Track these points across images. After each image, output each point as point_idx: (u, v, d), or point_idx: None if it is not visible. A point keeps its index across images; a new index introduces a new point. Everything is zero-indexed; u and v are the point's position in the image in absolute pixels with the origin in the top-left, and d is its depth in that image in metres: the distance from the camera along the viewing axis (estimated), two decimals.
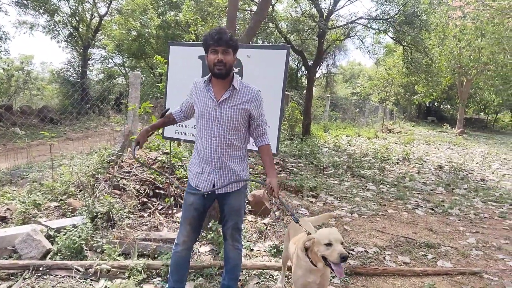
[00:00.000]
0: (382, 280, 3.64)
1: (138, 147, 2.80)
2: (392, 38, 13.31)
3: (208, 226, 4.05)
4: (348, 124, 20.60)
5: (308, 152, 9.79)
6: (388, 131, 20.76)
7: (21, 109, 13.80)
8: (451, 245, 4.65)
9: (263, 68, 3.83)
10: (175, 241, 2.77)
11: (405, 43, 12.50)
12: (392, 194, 6.91)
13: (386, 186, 7.48)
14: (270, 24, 13.45)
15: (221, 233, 2.95)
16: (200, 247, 3.91)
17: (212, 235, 3.96)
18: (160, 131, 4.57)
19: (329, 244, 2.29)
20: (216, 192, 2.64)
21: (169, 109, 3.02)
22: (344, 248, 2.31)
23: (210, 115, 2.55)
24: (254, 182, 5.16)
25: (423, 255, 4.29)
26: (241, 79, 4.02)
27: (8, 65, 15.48)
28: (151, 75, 20.14)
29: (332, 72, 29.00)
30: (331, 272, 2.40)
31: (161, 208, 4.82)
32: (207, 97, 2.57)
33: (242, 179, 2.67)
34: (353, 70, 42.47)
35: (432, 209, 6.14)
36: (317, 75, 28.15)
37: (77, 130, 13.44)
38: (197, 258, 3.65)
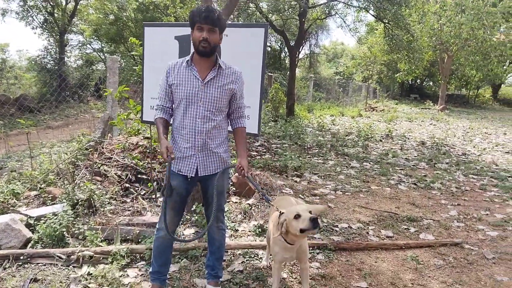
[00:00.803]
0: (365, 254, 3.69)
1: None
2: (372, 15, 13.26)
3: (192, 209, 4.03)
4: (332, 104, 20.65)
5: (292, 133, 9.79)
6: (371, 109, 20.89)
7: None
8: (433, 218, 4.74)
9: (242, 47, 3.75)
10: (157, 226, 2.73)
11: (386, 20, 12.46)
12: (375, 170, 6.98)
13: (370, 163, 7.55)
14: (251, 5, 13.24)
15: (205, 215, 2.92)
16: (184, 229, 3.89)
17: (196, 217, 3.94)
18: (138, 115, 4.48)
19: (297, 216, 2.38)
20: (199, 175, 2.59)
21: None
22: (318, 216, 2.40)
23: (195, 96, 2.49)
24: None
25: (405, 228, 4.36)
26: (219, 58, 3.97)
27: None
28: (132, 59, 19.77)
29: (315, 52, 28.87)
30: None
31: (144, 193, 4.77)
32: (190, 77, 2.50)
33: (226, 165, 2.67)
34: (336, 50, 42.38)
35: (415, 184, 6.23)
36: (300, 55, 28.04)
37: (57, 118, 13.17)
38: None
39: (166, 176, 2.46)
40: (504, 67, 28.87)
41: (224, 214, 2.85)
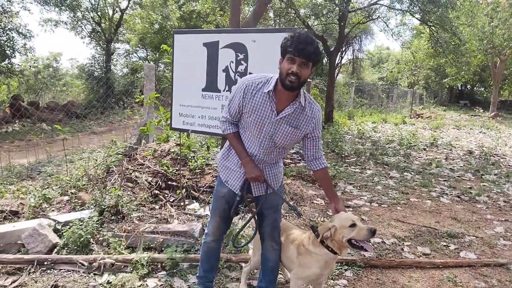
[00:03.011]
0: (398, 272, 3.45)
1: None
2: (417, 18, 12.74)
3: None
4: (375, 111, 20.05)
5: (330, 140, 9.55)
6: (417, 116, 20.09)
7: (47, 105, 14.16)
8: (476, 234, 4.38)
9: (269, 53, 3.65)
10: (205, 231, 2.73)
11: (431, 23, 11.93)
12: (416, 181, 6.61)
13: (411, 174, 7.17)
14: (290, 10, 13.16)
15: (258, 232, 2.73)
16: None
17: None
18: (168, 121, 4.49)
19: (353, 225, 2.27)
20: (254, 195, 2.52)
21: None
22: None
23: (265, 128, 2.31)
24: None
25: (445, 245, 4.05)
26: (247, 65, 3.88)
27: (34, 62, 15.88)
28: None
29: (358, 57, 28.26)
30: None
31: (173, 200, 4.77)
32: (266, 107, 2.27)
33: (279, 183, 2.60)
34: (381, 54, 41.36)
35: (458, 197, 5.82)
36: (343, 61, 27.57)
37: (102, 124, 13.67)
38: None
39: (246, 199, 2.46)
40: None
41: (280, 232, 2.71)
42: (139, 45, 22.51)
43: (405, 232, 4.34)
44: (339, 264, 3.46)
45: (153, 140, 6.54)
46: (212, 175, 5.24)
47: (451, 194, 5.94)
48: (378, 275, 3.38)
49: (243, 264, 3.36)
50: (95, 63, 18.57)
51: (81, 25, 18.51)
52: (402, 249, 3.92)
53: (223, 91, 3.90)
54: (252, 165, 2.35)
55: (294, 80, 2.13)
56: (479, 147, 10.41)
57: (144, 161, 5.31)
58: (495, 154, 9.60)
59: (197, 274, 2.82)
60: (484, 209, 5.33)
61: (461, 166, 8.07)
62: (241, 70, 3.81)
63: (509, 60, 22.43)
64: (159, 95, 5.09)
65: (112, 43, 19.76)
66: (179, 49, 4.17)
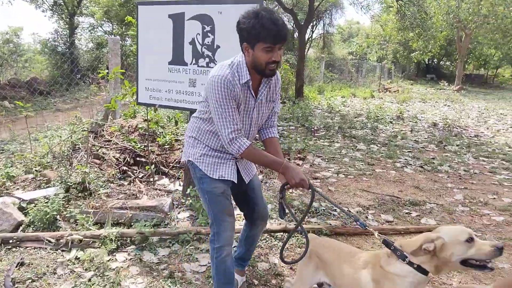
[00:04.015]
0: (362, 239, 3.60)
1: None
2: None
3: (187, 192, 3.98)
4: (344, 85, 20.27)
5: (300, 115, 9.64)
6: (385, 90, 20.45)
7: (9, 82, 13.55)
8: (437, 202, 4.60)
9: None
10: (216, 245, 2.27)
11: None
12: (382, 153, 6.81)
13: (377, 146, 7.37)
14: None
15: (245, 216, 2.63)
16: (179, 213, 3.86)
17: (191, 201, 3.89)
18: (134, 97, 4.41)
19: (470, 240, 1.72)
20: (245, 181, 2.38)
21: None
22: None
23: (249, 116, 2.21)
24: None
25: (407, 213, 4.24)
26: (214, 37, 3.83)
27: None
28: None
29: (329, 32, 28.28)
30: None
31: (142, 176, 4.74)
32: (248, 95, 2.15)
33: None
34: (351, 29, 41.50)
35: (421, 167, 6.05)
36: (314, 35, 27.52)
37: (67, 101, 13.24)
38: (174, 224, 3.59)
39: (283, 202, 2.19)
40: None
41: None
42: (104, 18, 21.66)
43: (369, 201, 4.51)
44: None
45: (120, 116, 6.43)
46: (181, 150, 5.22)
47: (415, 165, 6.17)
48: (343, 242, 3.51)
49: None
50: (58, 38, 17.78)
51: None
52: (367, 217, 4.08)
53: (190, 64, 3.84)
54: (294, 169, 2.08)
55: (274, 67, 2.05)
56: (443, 120, 10.78)
57: (111, 138, 5.23)
58: (458, 126, 9.97)
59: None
60: (445, 178, 5.58)
61: (425, 138, 8.36)
62: (208, 42, 3.76)
63: (473, 34, 23.02)
64: (124, 70, 4.97)
65: (76, 17, 18.93)
66: (144, 21, 4.05)
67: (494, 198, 4.80)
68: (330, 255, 2.16)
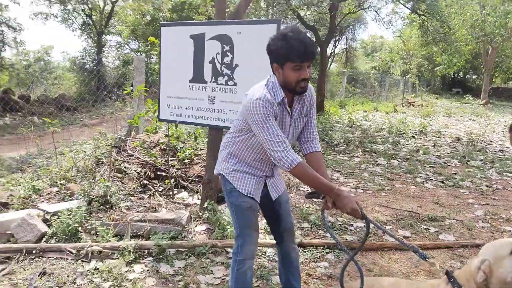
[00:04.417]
0: (378, 254, 3.58)
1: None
2: (406, 7, 12.80)
3: (204, 206, 4.06)
4: (366, 99, 20.14)
5: (320, 129, 9.64)
6: (408, 104, 20.19)
7: (38, 98, 14.13)
8: (456, 218, 4.51)
9: (255, 45, 3.72)
10: (239, 257, 2.33)
11: (421, 11, 11.99)
12: (402, 168, 6.74)
13: (398, 160, 7.30)
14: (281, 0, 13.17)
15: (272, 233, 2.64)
16: (196, 226, 3.93)
17: (208, 214, 3.96)
18: (156, 113, 4.56)
19: None
20: (273, 199, 2.41)
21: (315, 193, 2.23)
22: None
23: (286, 134, 2.22)
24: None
25: (425, 229, 4.18)
26: (233, 56, 3.95)
27: (24, 56, 15.81)
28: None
29: (352, 46, 28.25)
30: None
31: (162, 190, 4.86)
32: (284, 113, 2.19)
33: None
34: (374, 43, 41.30)
35: (442, 182, 5.95)
36: (337, 50, 27.55)
37: (93, 116, 13.67)
38: (191, 237, 3.67)
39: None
40: None
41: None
42: (131, 36, 22.38)
43: (387, 217, 4.47)
44: (322, 247, 3.58)
45: (143, 132, 6.61)
46: (201, 165, 5.33)
47: (436, 180, 6.07)
48: (358, 257, 3.49)
49: (228, 249, 3.48)
50: (86, 56, 18.49)
51: (71, 17, 18.41)
52: (383, 233, 4.04)
53: (210, 82, 3.98)
54: (347, 197, 1.99)
55: (305, 84, 2.09)
56: (467, 134, 10.56)
57: (133, 152, 5.39)
58: (482, 141, 9.75)
59: None
60: (466, 193, 5.47)
61: (448, 153, 8.21)
62: (227, 61, 3.89)
63: (500, 47, 22.57)
64: (147, 88, 5.15)
65: (104, 35, 19.65)
66: (166, 41, 4.23)
67: None
68: None
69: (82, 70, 17.35)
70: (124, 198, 4.26)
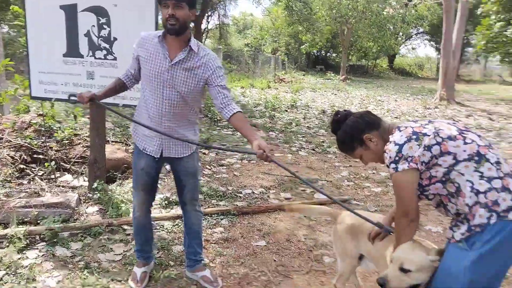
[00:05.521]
0: (265, 216, 4.00)
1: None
2: None
3: (94, 187, 3.97)
4: (242, 76, 20.93)
5: (202, 106, 9.82)
6: (280, 81, 21.60)
7: None
8: (327, 179, 5.24)
9: (133, 18, 3.70)
10: (132, 207, 2.80)
11: None
12: (279, 139, 7.40)
13: (275, 133, 7.96)
14: None
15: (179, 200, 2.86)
16: (87, 208, 3.85)
17: (99, 194, 3.90)
18: (27, 91, 4.19)
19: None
20: (164, 156, 2.54)
21: (75, 95, 2.53)
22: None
23: (161, 76, 2.38)
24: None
25: (302, 190, 4.78)
26: (110, 30, 3.83)
27: None
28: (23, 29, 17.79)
29: (224, 22, 28.67)
30: None
31: (42, 174, 4.56)
32: (159, 55, 2.38)
33: (194, 147, 2.62)
34: (245, 21, 42.50)
35: (313, 150, 6.76)
36: (210, 26, 27.68)
37: None
38: (84, 219, 3.60)
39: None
40: (398, 39, 31.57)
41: (199, 195, 2.88)
42: None
43: (270, 182, 4.97)
44: (216, 214, 3.86)
45: (9, 112, 5.98)
46: (83, 145, 5.11)
47: (308, 148, 6.86)
48: (249, 220, 3.88)
49: (125, 227, 3.52)
50: None
51: None
52: (268, 196, 4.52)
53: (87, 56, 3.82)
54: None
55: (173, 22, 2.25)
56: (331, 107, 11.90)
57: (2, 135, 4.89)
58: None
59: (135, 248, 2.88)
60: (333, 158, 6.33)
61: (316, 124, 9.23)
62: (105, 34, 3.77)
63: (354, 28, 25.38)
64: (13, 62, 4.69)
65: None
66: (32, 11, 3.83)
67: (373, 173, 5.63)
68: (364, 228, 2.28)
69: None
70: (1, 185, 3.92)
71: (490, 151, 1.76)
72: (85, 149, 4.98)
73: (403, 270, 1.78)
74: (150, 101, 2.44)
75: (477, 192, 1.70)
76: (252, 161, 5.83)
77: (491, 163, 1.72)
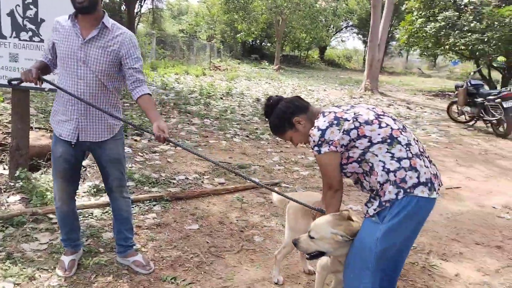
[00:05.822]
0: (199, 201, 4.06)
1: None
2: None
3: (16, 175, 3.76)
4: (177, 62, 20.51)
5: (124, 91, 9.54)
6: (215, 68, 21.50)
7: None
8: (259, 164, 5.41)
9: None
10: (54, 197, 2.72)
11: None
12: (214, 126, 7.44)
13: (210, 120, 7.98)
14: None
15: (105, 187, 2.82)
16: (8, 197, 3.63)
17: (21, 183, 3.70)
18: None
19: None
20: (80, 140, 2.46)
21: (16, 79, 2.38)
22: None
23: (75, 55, 2.34)
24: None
25: (236, 175, 4.88)
26: (37, 10, 3.62)
27: None
28: None
29: (158, 7, 27.84)
30: None
31: None
32: (72, 34, 2.35)
33: (115, 132, 2.58)
34: (180, 6, 41.56)
35: (247, 136, 6.90)
36: (143, 10, 26.73)
37: None
38: (5, 208, 3.40)
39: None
40: (329, 31, 32.76)
41: (126, 183, 2.82)
42: None
43: (205, 168, 5.02)
44: (148, 201, 3.84)
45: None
46: (2, 132, 4.78)
47: (242, 135, 6.98)
48: (183, 205, 3.91)
49: (51, 216, 3.38)
50: None
51: None
52: (203, 182, 4.57)
53: (10, 37, 3.58)
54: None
55: (81, 0, 2.23)
56: (264, 95, 12.12)
57: None
58: None
59: (60, 238, 2.83)
60: (266, 144, 6.51)
61: (250, 112, 9.38)
62: (31, 15, 3.57)
63: (288, 19, 25.90)
64: None
65: None
66: None
67: (302, 158, 5.90)
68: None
69: None
70: None
71: (402, 134, 1.97)
72: (5, 136, 4.66)
73: (310, 236, 2.05)
74: (66, 83, 2.40)
75: (388, 171, 1.90)
76: None
77: (402, 145, 1.93)
